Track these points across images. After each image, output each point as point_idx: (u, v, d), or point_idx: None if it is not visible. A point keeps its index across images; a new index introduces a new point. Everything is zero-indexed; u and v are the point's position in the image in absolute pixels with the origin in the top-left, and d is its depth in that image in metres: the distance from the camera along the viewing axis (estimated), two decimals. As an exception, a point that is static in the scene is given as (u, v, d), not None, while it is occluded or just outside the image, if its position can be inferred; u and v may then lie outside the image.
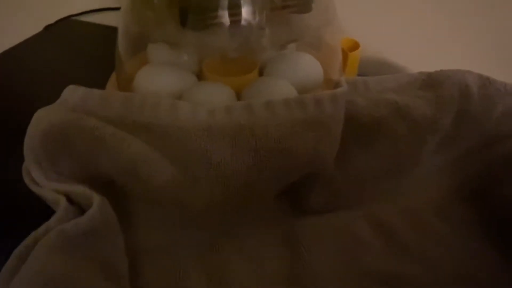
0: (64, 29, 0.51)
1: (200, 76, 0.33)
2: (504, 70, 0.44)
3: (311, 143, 0.23)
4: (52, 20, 0.51)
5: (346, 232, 0.25)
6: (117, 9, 0.50)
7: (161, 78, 0.31)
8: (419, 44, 0.43)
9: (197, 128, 0.23)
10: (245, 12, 0.28)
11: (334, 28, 0.32)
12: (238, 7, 0.28)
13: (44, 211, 0.21)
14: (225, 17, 0.28)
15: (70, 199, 0.20)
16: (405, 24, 0.43)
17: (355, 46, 0.37)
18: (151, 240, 0.23)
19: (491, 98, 0.27)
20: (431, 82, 0.28)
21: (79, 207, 0.20)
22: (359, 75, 0.39)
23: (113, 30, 0.34)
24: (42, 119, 0.22)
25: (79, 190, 0.20)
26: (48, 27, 0.50)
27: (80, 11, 0.51)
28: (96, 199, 0.20)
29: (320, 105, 0.24)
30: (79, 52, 0.47)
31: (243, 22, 0.28)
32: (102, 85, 0.36)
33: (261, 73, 0.34)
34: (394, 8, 0.42)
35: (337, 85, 0.26)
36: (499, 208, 0.25)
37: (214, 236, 0.24)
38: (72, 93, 0.24)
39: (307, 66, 0.33)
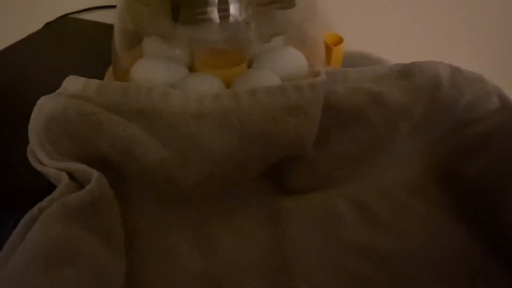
0: (64, 26, 0.53)
1: (192, 69, 0.36)
2: (483, 61, 0.47)
3: (292, 127, 0.26)
4: (51, 18, 0.53)
5: (325, 209, 0.27)
6: (115, 6, 0.52)
7: (154, 70, 0.33)
8: (402, 39, 0.45)
9: (188, 113, 0.25)
10: (233, 8, 0.30)
11: (317, 23, 0.34)
12: (226, 3, 0.30)
13: (47, 187, 0.23)
14: (214, 12, 0.30)
15: (71, 176, 0.23)
16: (388, 19, 0.45)
17: (339, 41, 0.39)
18: (145, 216, 0.25)
19: (459, 86, 0.29)
20: (406, 73, 0.30)
21: (79, 183, 0.23)
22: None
23: (111, 27, 0.36)
24: (45, 105, 0.24)
25: (80, 167, 0.22)
26: (47, 25, 0.52)
27: (79, 9, 0.54)
28: (95, 175, 0.22)
29: (300, 92, 0.26)
30: (78, 49, 0.49)
31: (231, 17, 0.30)
32: (100, 79, 0.38)
33: (250, 66, 0.36)
34: (377, 4, 0.44)
35: (317, 75, 0.28)
36: (466, 186, 0.27)
37: (204, 212, 0.26)
38: (72, 83, 0.27)
39: (292, 59, 0.36)
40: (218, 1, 0.30)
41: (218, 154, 0.25)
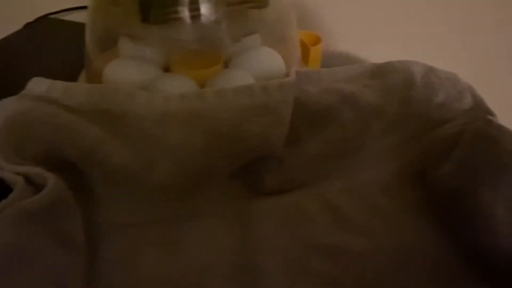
0: (43, 27, 0.52)
1: (167, 70, 0.35)
2: (464, 60, 0.47)
3: (260, 127, 0.25)
4: (31, 18, 0.52)
5: (295, 210, 0.26)
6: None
7: (127, 71, 0.33)
8: (382, 38, 0.45)
9: (153, 113, 0.25)
10: (203, 7, 0.30)
11: (292, 23, 0.34)
12: (197, 2, 0.30)
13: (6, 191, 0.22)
14: (184, 12, 0.30)
15: (29, 181, 0.22)
16: (368, 18, 0.44)
17: (317, 40, 0.39)
18: (109, 218, 0.25)
19: (433, 85, 0.28)
20: (379, 72, 0.29)
21: (36, 187, 0.22)
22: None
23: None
24: (6, 107, 0.24)
25: (36, 171, 0.22)
26: (27, 25, 0.52)
27: (59, 9, 0.53)
28: (51, 179, 0.21)
29: (267, 92, 0.26)
30: (58, 49, 0.48)
31: (202, 17, 0.30)
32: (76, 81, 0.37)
33: (226, 66, 0.36)
34: (357, 3, 0.44)
35: (288, 75, 0.28)
36: (437, 186, 0.27)
37: (171, 214, 0.26)
38: (37, 85, 0.26)
39: (268, 59, 0.35)
40: (189, 1, 0.30)
41: (184, 155, 0.25)
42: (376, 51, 0.43)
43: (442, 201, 0.27)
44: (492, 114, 0.27)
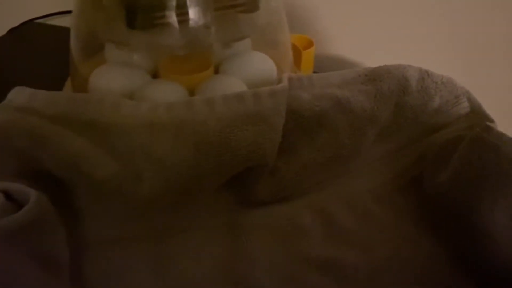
0: (28, 32, 0.51)
1: (156, 75, 0.34)
2: (458, 63, 0.46)
3: (251, 136, 0.24)
4: (15, 23, 0.51)
5: (287, 221, 0.26)
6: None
7: (113, 78, 0.32)
8: (375, 41, 0.44)
9: (139, 124, 0.24)
10: (191, 11, 0.29)
11: (283, 26, 0.33)
12: (185, 6, 0.29)
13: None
14: (172, 16, 0.29)
15: (9, 197, 0.21)
16: (361, 21, 0.44)
17: (309, 44, 0.38)
18: (95, 233, 0.24)
19: (428, 90, 0.28)
20: (373, 77, 0.29)
21: (17, 203, 0.21)
22: (315, 72, 0.40)
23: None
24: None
25: (16, 187, 0.21)
26: (11, 30, 0.51)
27: (43, 14, 0.52)
28: (33, 195, 0.20)
29: (258, 100, 0.25)
30: (43, 55, 0.47)
31: (190, 22, 0.29)
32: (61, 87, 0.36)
33: (217, 72, 0.35)
34: (349, 6, 0.43)
35: (279, 81, 0.27)
36: (433, 194, 0.26)
37: (160, 228, 0.25)
38: (18, 94, 0.25)
39: (259, 64, 0.34)
40: (176, 5, 0.29)
41: (172, 166, 0.24)
42: (369, 54, 0.43)
43: (438, 210, 0.26)
44: (490, 120, 0.27)
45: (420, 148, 0.28)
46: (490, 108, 0.29)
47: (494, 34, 0.44)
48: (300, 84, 0.28)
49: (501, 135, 0.23)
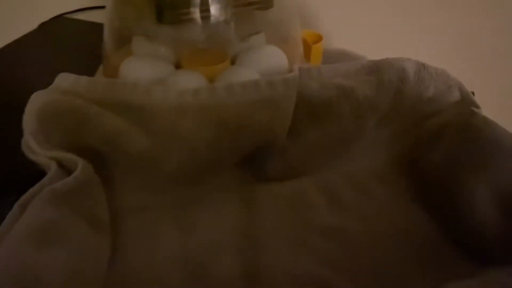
0: (58, 26, 0.55)
1: (178, 67, 0.38)
2: (462, 60, 0.49)
3: (265, 119, 0.28)
4: (46, 18, 0.55)
5: (296, 195, 0.29)
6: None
7: (142, 68, 0.36)
8: (381, 36, 0.47)
9: (168, 107, 0.28)
10: (213, 9, 0.33)
11: (295, 22, 0.37)
12: (207, 4, 0.32)
13: (40, 175, 0.25)
14: (196, 13, 0.32)
15: (60, 164, 0.25)
16: (368, 18, 0.47)
17: (318, 39, 0.42)
18: (128, 201, 0.28)
19: (424, 81, 0.31)
20: (375, 68, 0.32)
21: (67, 170, 0.25)
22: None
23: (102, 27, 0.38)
24: (37, 99, 0.27)
25: (67, 156, 0.25)
26: (42, 25, 0.55)
27: (73, 9, 0.56)
28: (81, 162, 0.24)
29: (273, 87, 0.28)
30: (72, 48, 0.51)
31: (211, 18, 0.33)
32: (92, 76, 0.40)
33: (233, 63, 0.38)
34: (357, 2, 0.47)
35: (290, 71, 0.31)
36: (426, 173, 0.29)
37: (184, 198, 0.29)
38: (63, 79, 0.29)
39: (272, 57, 0.38)
40: (200, 3, 0.32)
41: (196, 144, 0.27)
42: (375, 50, 0.46)
43: (430, 188, 0.29)
44: (477, 106, 0.30)
45: (416, 133, 0.31)
46: (487, 99, 0.32)
47: (497, 31, 0.47)
48: (310, 74, 0.32)
49: (484, 118, 0.26)
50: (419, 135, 0.31)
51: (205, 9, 0.32)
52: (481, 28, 0.49)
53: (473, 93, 0.45)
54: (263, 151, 0.29)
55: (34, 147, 0.25)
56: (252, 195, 0.29)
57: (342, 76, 0.32)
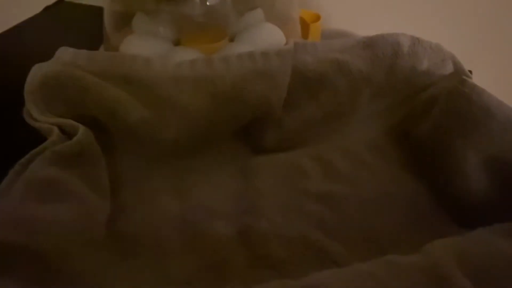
0: (62, 10, 0.56)
1: (177, 44, 0.39)
2: (463, 41, 0.49)
3: (260, 89, 0.29)
4: (48, 2, 0.56)
5: (291, 164, 0.30)
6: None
7: (141, 45, 0.37)
8: (379, 16, 0.48)
9: (166, 77, 0.29)
10: (211, -16, 0.33)
11: (291, 1, 0.37)
12: (205, -21, 0.33)
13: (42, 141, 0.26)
14: (193, -12, 0.33)
15: (62, 130, 0.26)
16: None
17: (316, 19, 0.42)
18: (128, 169, 0.29)
19: (418, 54, 0.32)
20: (370, 43, 0.33)
21: (68, 136, 0.26)
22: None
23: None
24: (39, 70, 0.28)
25: (68, 122, 0.26)
26: (47, 8, 0.56)
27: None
28: (81, 128, 0.25)
29: (267, 58, 0.29)
30: (76, 31, 0.52)
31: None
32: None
33: (231, 41, 0.39)
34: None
35: (286, 44, 0.32)
36: (417, 142, 0.30)
37: (182, 167, 0.30)
38: (64, 53, 0.30)
39: (270, 34, 0.39)
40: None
41: (193, 113, 0.28)
42: (373, 30, 0.46)
43: (421, 156, 0.30)
44: (468, 76, 0.30)
45: (409, 105, 0.32)
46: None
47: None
48: (305, 49, 0.33)
49: (473, 85, 0.27)
50: (412, 107, 0.32)
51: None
52: (481, 9, 0.49)
53: (470, 71, 0.46)
54: (260, 122, 0.30)
55: (35, 115, 0.26)
56: (248, 165, 0.30)
57: (338, 51, 0.33)
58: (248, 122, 0.30)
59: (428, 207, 0.27)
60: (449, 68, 0.32)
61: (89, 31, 0.50)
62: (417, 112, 0.31)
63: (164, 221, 0.26)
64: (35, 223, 0.20)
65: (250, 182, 0.29)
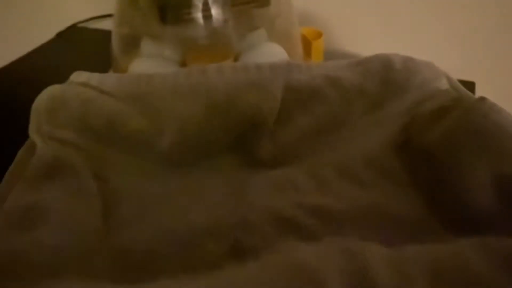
0: (74, 35, 0.63)
1: (184, 66, 0.44)
2: (459, 60, 0.53)
3: (253, 99, 0.33)
4: (61, 27, 0.62)
5: (284, 179, 0.33)
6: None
7: (148, 67, 0.42)
8: (381, 33, 0.52)
9: (165, 88, 0.34)
10: (213, 8, 0.38)
11: (292, 19, 0.42)
12: (207, 4, 0.38)
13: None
14: (197, 12, 0.38)
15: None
16: (367, 13, 0.52)
17: (318, 35, 0.47)
18: (121, 185, 0.33)
19: (411, 70, 0.36)
20: (362, 61, 0.37)
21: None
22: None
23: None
24: (47, 90, 0.33)
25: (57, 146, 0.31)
26: (59, 34, 0.62)
27: (85, 18, 0.63)
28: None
29: (260, 70, 0.34)
30: (88, 56, 0.58)
31: (212, 17, 0.38)
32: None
33: (236, 61, 0.44)
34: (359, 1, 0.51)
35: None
36: (418, 156, 0.32)
37: (176, 180, 0.33)
38: (78, 76, 0.35)
39: (273, 53, 0.44)
40: (201, 3, 0.38)
41: (188, 122, 0.33)
42: (375, 48, 0.50)
43: (420, 167, 0.33)
44: (462, 91, 0.34)
45: (406, 119, 0.35)
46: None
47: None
48: (299, 70, 0.37)
49: (493, 104, 0.29)
50: (410, 121, 0.34)
51: (205, 8, 0.38)
52: (483, 23, 0.52)
53: (473, 83, 0.49)
54: (254, 134, 0.34)
55: (31, 130, 0.32)
56: (242, 179, 0.33)
57: (331, 70, 0.37)
58: (242, 133, 0.34)
59: (426, 224, 0.29)
60: (443, 83, 0.35)
61: (101, 54, 0.56)
62: (422, 120, 0.34)
63: (157, 237, 0.29)
64: (21, 254, 0.23)
65: (243, 196, 0.32)
